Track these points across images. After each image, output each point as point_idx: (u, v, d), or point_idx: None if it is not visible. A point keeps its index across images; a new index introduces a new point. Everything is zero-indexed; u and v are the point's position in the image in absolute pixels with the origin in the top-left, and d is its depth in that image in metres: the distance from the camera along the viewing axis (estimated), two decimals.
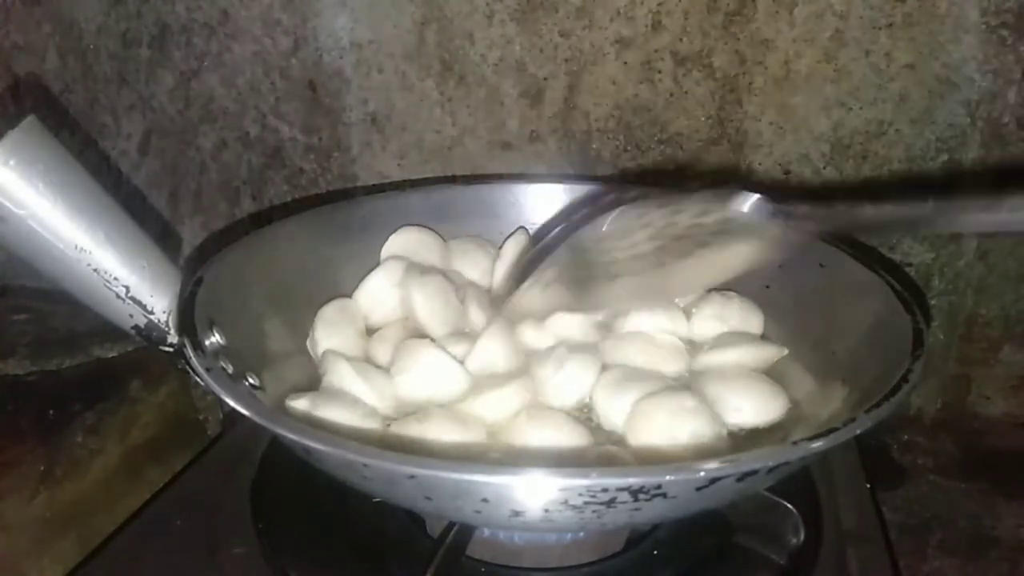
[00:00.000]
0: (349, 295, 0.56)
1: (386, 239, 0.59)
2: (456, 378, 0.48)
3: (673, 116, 0.65)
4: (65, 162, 0.41)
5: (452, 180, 0.71)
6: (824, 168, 0.64)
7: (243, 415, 0.36)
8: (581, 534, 0.46)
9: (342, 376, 0.48)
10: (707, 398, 0.47)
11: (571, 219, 0.54)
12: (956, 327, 0.67)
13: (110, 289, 0.43)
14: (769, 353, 0.52)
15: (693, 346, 0.54)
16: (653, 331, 0.54)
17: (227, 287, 0.47)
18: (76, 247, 0.41)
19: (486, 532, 0.45)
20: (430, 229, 0.61)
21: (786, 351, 0.52)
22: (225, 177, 0.75)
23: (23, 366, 0.65)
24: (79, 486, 0.58)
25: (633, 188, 0.49)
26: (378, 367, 0.51)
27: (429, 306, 0.54)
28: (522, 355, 0.52)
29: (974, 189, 0.61)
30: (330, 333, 0.52)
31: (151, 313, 0.44)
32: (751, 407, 0.47)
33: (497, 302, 0.56)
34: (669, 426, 0.44)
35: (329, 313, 0.53)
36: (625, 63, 0.64)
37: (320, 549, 0.47)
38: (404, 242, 0.59)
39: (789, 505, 0.47)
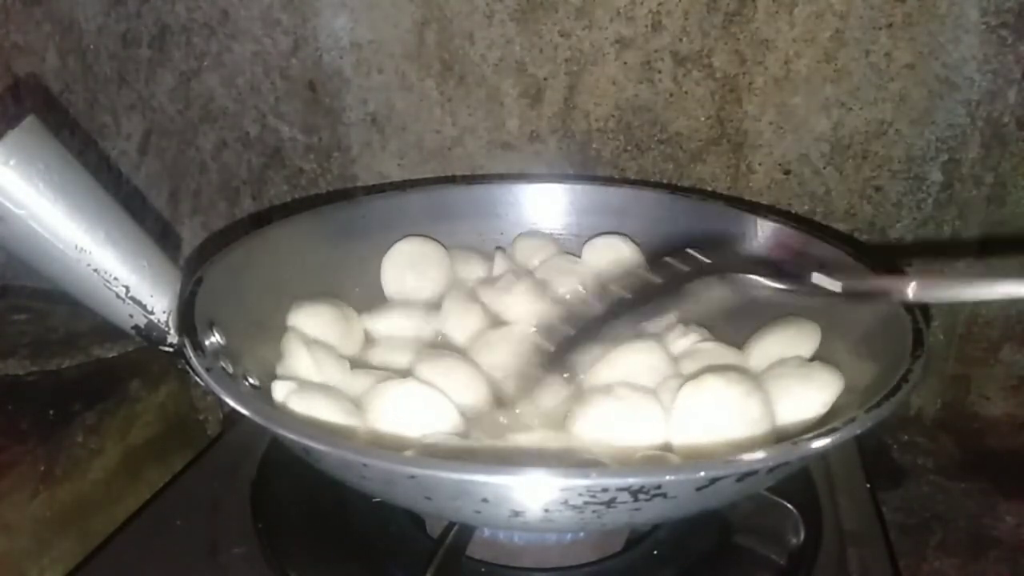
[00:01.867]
0: (349, 295, 0.56)
1: (386, 239, 0.59)
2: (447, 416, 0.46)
3: (673, 116, 0.65)
4: (65, 162, 0.41)
5: (452, 180, 0.71)
6: (824, 168, 0.64)
7: (243, 415, 0.36)
8: (581, 534, 0.46)
9: (297, 357, 0.48)
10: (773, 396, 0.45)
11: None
12: (956, 327, 0.67)
13: (110, 289, 0.43)
14: (814, 330, 0.50)
15: None
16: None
17: (227, 287, 0.47)
18: (76, 247, 0.41)
19: (486, 532, 0.45)
20: (431, 238, 0.60)
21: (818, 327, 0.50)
22: (225, 177, 0.75)
23: (23, 366, 0.65)
24: (79, 486, 0.58)
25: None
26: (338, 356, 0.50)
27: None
28: None
29: (974, 190, 0.62)
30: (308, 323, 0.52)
31: (151, 313, 0.44)
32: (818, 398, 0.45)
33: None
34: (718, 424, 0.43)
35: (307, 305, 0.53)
36: (625, 63, 0.64)
37: (320, 549, 0.47)
38: (405, 253, 0.59)
39: (789, 505, 0.47)
